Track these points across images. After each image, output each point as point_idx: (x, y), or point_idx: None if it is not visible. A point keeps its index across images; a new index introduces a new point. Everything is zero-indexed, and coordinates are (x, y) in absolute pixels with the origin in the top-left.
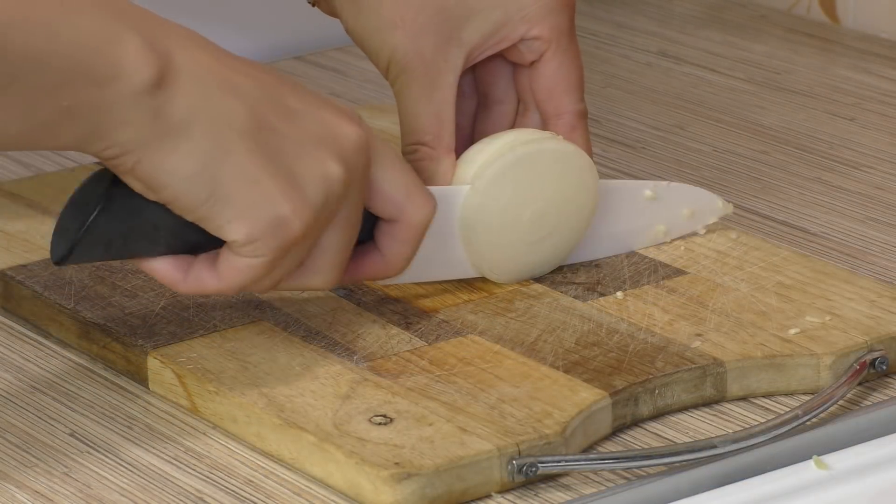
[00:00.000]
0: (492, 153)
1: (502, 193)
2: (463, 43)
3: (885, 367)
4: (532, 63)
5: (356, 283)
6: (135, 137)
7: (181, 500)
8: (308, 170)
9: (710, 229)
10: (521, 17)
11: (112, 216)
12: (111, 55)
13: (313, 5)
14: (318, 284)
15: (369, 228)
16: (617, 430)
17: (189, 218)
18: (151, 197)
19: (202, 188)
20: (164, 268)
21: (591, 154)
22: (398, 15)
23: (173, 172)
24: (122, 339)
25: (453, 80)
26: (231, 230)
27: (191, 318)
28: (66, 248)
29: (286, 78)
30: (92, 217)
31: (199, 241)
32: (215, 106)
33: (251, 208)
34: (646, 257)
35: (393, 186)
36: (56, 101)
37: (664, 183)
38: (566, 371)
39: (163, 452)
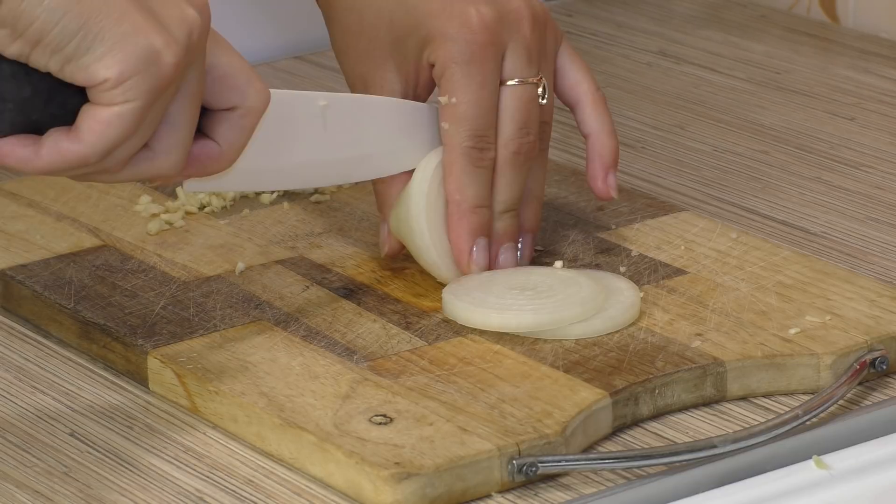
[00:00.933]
0: (428, 162)
1: (440, 197)
2: (399, 69)
3: (885, 367)
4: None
5: (197, 176)
6: None
7: (181, 500)
8: (168, 11)
9: (708, 229)
10: (429, 39)
11: None
12: None
13: None
14: (167, 167)
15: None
16: (617, 430)
17: (55, 63)
18: (16, 44)
19: (72, 19)
20: (9, 148)
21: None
22: (344, 44)
23: (41, 4)
24: (123, 339)
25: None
26: (102, 67)
27: (191, 318)
28: None
29: None
30: None
31: (44, 119)
32: None
33: (123, 40)
34: (646, 257)
35: (234, 70)
36: None
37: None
38: (566, 371)
39: (163, 452)
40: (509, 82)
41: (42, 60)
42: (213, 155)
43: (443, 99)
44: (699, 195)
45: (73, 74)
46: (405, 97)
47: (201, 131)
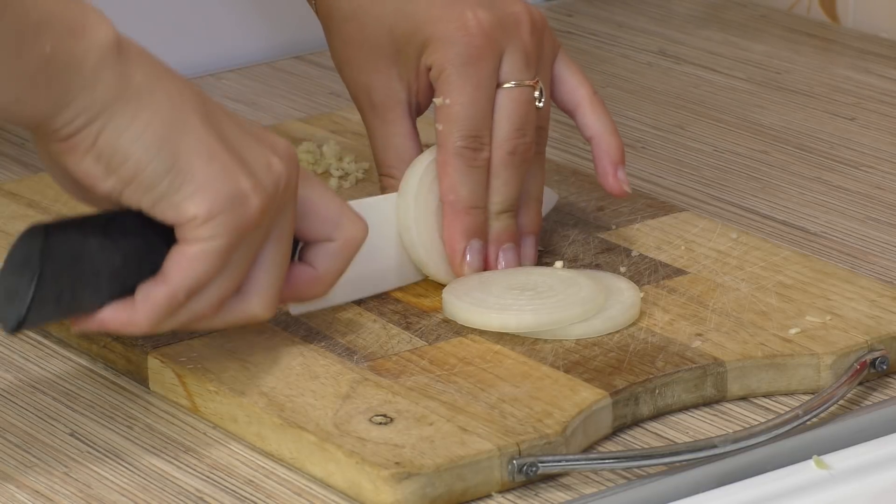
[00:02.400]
0: (420, 159)
1: (431, 193)
2: (401, 76)
3: (885, 367)
4: None
5: (294, 301)
6: (102, 98)
7: (181, 500)
8: (255, 157)
9: (707, 229)
10: (428, 43)
11: (56, 266)
12: (80, 10)
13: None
14: (258, 309)
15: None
16: (617, 430)
17: (147, 201)
18: (110, 181)
19: (164, 158)
20: (110, 315)
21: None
22: (345, 54)
23: (136, 139)
24: (123, 339)
25: (402, 111)
26: (192, 204)
27: None
28: (21, 312)
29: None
30: (38, 272)
31: (138, 282)
32: (168, 79)
33: (212, 181)
34: (646, 257)
35: (326, 205)
36: (39, 44)
37: None
38: (566, 371)
39: (163, 452)
40: (506, 85)
41: (134, 197)
42: (311, 280)
43: (437, 100)
44: (699, 195)
45: (164, 212)
46: (409, 104)
47: (300, 258)
